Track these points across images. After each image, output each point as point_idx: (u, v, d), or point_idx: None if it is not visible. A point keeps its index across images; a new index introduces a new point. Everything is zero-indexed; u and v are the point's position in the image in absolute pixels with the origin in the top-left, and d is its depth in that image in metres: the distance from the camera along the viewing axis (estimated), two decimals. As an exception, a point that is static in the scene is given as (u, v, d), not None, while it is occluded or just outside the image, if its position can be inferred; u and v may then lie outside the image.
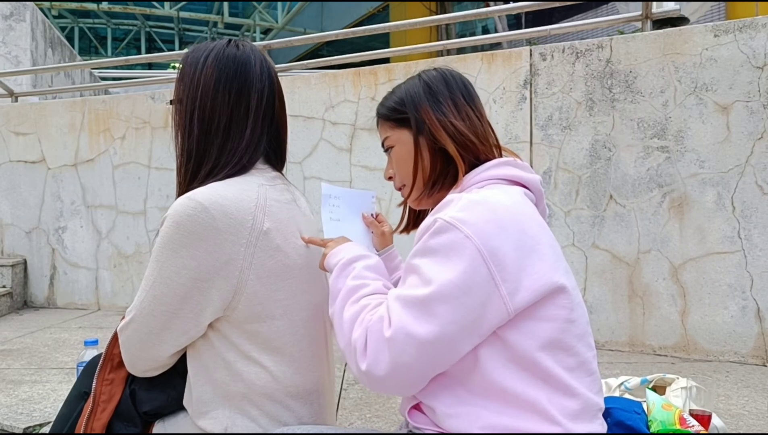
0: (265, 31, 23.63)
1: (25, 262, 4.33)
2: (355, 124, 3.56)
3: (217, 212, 0.97)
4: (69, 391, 1.19)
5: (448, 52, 9.20)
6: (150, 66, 15.88)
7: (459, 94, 1.07)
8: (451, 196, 0.96)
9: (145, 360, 1.05)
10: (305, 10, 21.40)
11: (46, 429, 1.90)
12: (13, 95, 4.93)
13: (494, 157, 1.04)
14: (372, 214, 1.28)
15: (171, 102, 1.14)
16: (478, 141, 1.04)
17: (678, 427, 1.05)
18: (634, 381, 1.51)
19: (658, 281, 2.84)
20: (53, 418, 1.17)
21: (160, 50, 21.88)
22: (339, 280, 1.00)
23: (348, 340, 0.92)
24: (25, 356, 2.84)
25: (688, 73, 2.80)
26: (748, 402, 2.14)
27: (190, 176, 1.07)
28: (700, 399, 1.32)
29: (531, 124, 3.13)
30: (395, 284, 1.08)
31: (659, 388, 1.44)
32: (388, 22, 9.92)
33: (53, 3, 20.48)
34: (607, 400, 1.03)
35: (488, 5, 11.46)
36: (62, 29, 21.52)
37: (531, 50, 3.16)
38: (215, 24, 23.61)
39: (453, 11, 13.74)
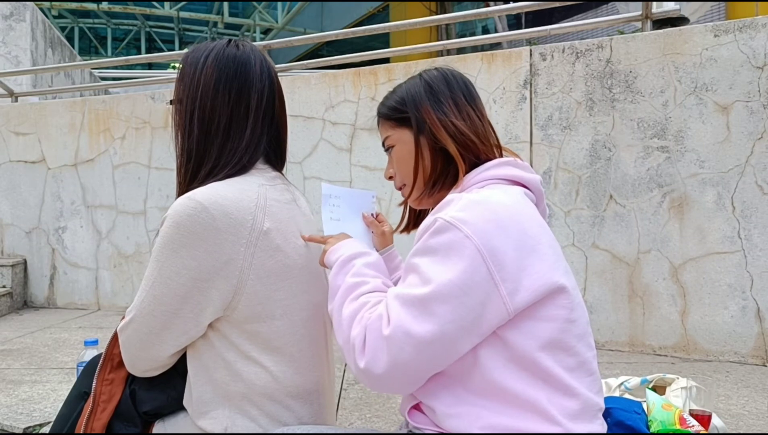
0: (265, 31, 23.63)
1: (25, 262, 4.33)
2: (355, 124, 3.56)
3: (217, 212, 0.97)
4: (69, 391, 1.19)
5: (448, 52, 9.20)
6: (150, 66, 15.88)
7: (460, 94, 1.07)
8: (451, 196, 0.96)
9: (145, 360, 1.05)
10: (305, 10, 21.41)
11: (46, 429, 1.90)
12: (13, 95, 4.93)
13: (495, 157, 1.04)
14: (372, 214, 1.28)
15: (171, 102, 1.14)
16: (479, 141, 1.04)
17: (678, 427, 1.05)
18: (634, 381, 1.51)
19: (658, 281, 2.84)
20: (53, 418, 1.17)
21: (160, 50, 21.88)
22: (338, 276, 1.01)
23: (347, 338, 0.92)
24: (25, 356, 2.84)
25: (688, 73, 2.80)
26: (748, 402, 2.14)
27: (190, 176, 1.07)
28: (700, 399, 1.32)
29: (531, 124, 3.13)
30: (395, 284, 1.07)
31: (659, 388, 1.43)
32: (388, 22, 9.90)
33: (53, 3, 20.48)
34: (607, 400, 1.03)
35: (488, 5, 11.47)
36: (62, 29, 21.53)
37: (531, 50, 3.16)
38: (215, 24, 23.61)
39: (453, 11, 13.74)
